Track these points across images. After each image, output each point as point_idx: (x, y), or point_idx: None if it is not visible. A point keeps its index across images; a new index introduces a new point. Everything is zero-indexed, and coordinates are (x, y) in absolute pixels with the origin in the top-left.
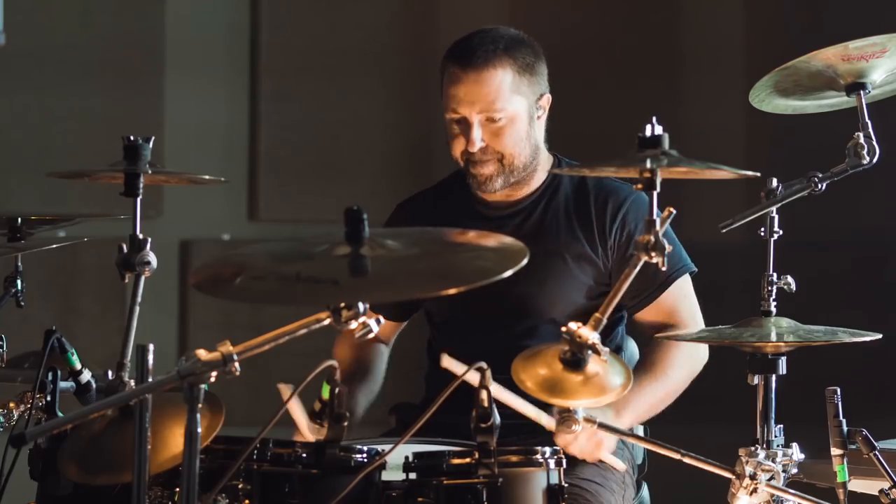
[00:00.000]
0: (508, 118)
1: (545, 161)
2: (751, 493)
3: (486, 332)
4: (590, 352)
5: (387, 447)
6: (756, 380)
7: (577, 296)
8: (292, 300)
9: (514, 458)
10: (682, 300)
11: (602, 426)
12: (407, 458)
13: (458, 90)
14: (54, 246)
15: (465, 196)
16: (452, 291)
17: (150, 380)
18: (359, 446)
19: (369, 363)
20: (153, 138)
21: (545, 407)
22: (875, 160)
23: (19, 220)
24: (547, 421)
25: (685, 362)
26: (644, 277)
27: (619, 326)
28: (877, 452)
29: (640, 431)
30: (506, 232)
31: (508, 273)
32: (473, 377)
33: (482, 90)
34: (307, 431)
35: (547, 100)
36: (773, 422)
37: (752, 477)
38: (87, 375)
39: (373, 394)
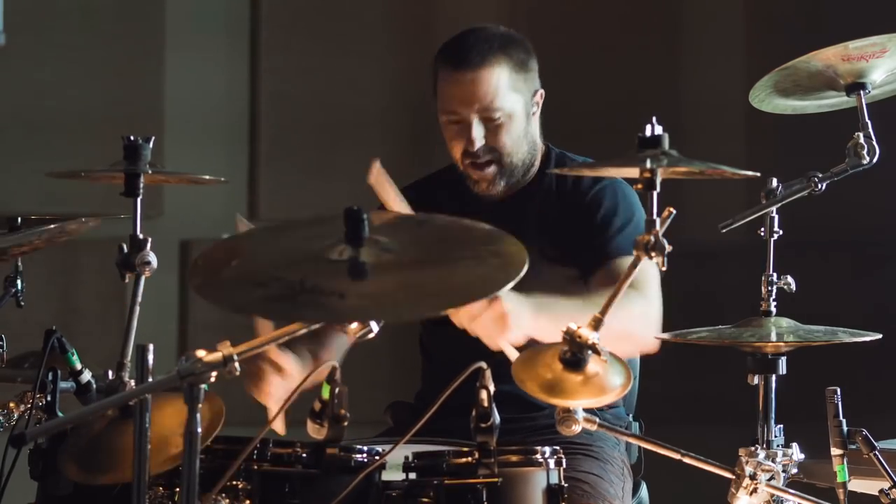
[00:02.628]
0: (506, 116)
1: (541, 154)
2: (751, 493)
3: None
4: (590, 352)
5: (387, 447)
6: (756, 380)
7: (570, 283)
8: (295, 318)
9: (514, 458)
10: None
11: (602, 426)
12: (407, 458)
13: (454, 90)
14: (52, 226)
15: (464, 186)
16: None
17: (150, 380)
18: (359, 446)
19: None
20: (153, 138)
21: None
22: (875, 160)
23: (19, 220)
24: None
25: (623, 311)
26: (591, 248)
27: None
28: (877, 452)
29: (636, 429)
30: (503, 224)
31: (509, 287)
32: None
33: (480, 89)
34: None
35: (541, 95)
36: (773, 422)
37: (752, 477)
38: (87, 375)
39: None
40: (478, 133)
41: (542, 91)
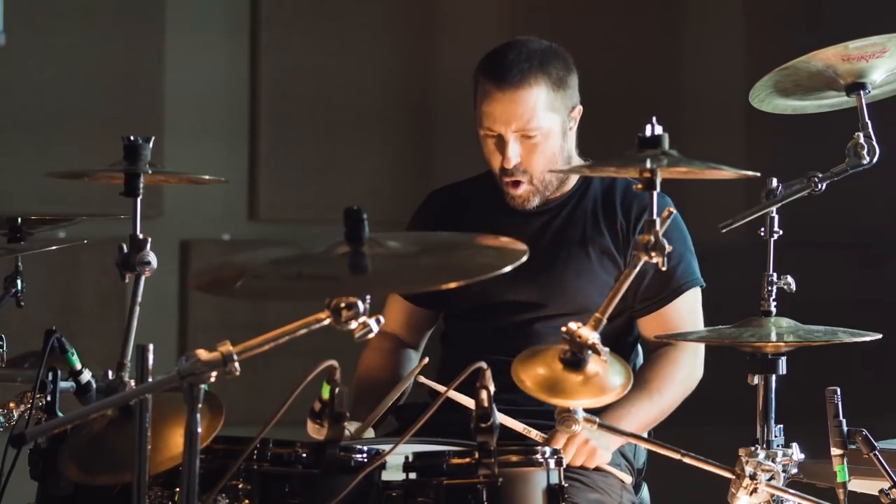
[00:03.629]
0: (543, 135)
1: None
2: (751, 493)
3: (504, 321)
4: (590, 352)
5: (387, 447)
6: (756, 380)
7: (597, 291)
8: (293, 297)
9: (514, 458)
10: (687, 315)
11: (602, 426)
12: (407, 458)
13: (493, 108)
14: (54, 248)
15: (497, 191)
16: (452, 285)
17: (150, 380)
18: (359, 446)
19: (399, 370)
20: (153, 138)
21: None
22: (875, 160)
23: (19, 220)
24: (536, 435)
25: (681, 380)
26: (655, 283)
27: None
28: (877, 452)
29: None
30: (535, 227)
31: (507, 269)
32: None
33: (518, 109)
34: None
35: (578, 111)
36: (773, 422)
37: (752, 477)
38: (87, 375)
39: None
40: (513, 152)
41: (580, 107)
